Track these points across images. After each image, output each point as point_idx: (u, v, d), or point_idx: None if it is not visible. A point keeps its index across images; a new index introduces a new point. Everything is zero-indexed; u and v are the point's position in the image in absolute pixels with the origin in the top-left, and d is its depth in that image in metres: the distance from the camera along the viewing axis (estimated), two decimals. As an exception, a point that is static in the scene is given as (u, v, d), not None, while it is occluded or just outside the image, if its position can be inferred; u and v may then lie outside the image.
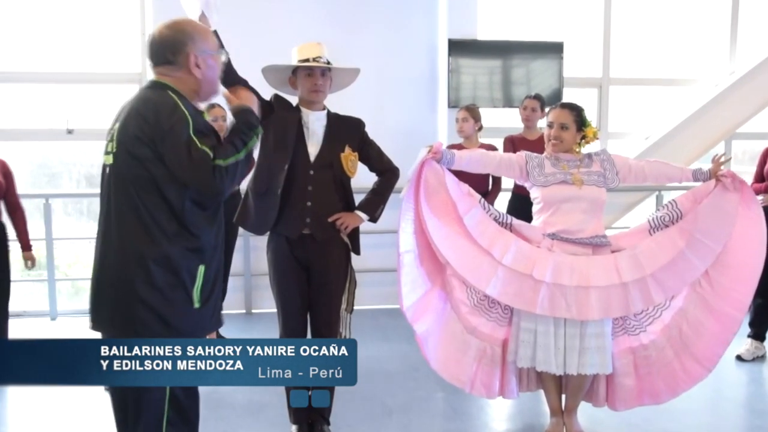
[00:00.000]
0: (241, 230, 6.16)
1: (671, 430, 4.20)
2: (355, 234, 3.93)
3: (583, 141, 3.98)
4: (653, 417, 4.34)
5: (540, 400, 4.23)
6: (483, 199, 3.95)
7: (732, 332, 3.84)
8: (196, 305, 2.63)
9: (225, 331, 5.96)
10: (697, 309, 3.85)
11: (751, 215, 3.88)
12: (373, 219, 3.95)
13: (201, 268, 2.63)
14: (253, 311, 7.28)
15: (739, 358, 5.54)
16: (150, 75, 2.78)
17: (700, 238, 3.80)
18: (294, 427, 3.97)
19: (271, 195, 3.74)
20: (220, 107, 5.44)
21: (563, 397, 4.04)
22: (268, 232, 3.89)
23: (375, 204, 3.91)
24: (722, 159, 3.95)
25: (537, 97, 6.09)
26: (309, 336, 3.88)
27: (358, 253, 3.96)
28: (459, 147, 5.76)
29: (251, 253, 7.15)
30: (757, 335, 5.64)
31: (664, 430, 4.20)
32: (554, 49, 7.51)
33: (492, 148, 5.86)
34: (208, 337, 5.59)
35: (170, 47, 2.68)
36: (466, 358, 3.84)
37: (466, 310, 3.84)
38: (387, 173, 3.93)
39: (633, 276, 3.71)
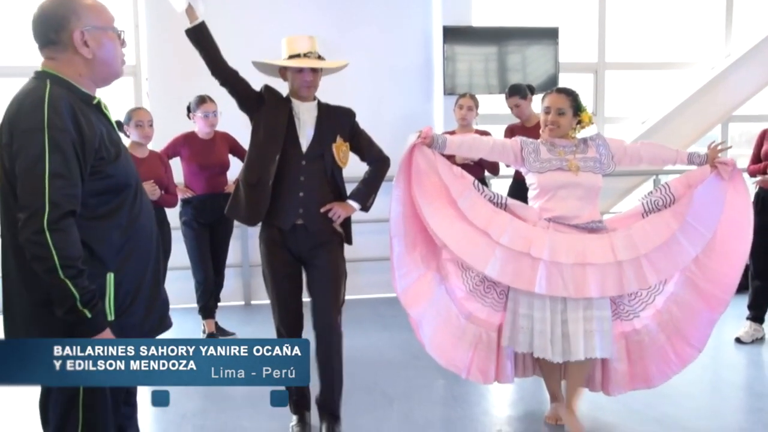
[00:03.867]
0: (237, 222, 6.19)
1: (672, 414, 4.22)
2: (346, 224, 3.94)
3: (578, 126, 3.99)
4: (653, 401, 4.37)
5: (541, 387, 4.24)
6: (476, 181, 3.95)
7: (719, 313, 3.91)
8: (110, 317, 2.38)
9: (224, 323, 6.00)
10: (686, 292, 3.89)
11: (740, 202, 3.95)
12: (365, 208, 3.95)
13: (109, 277, 2.38)
14: (252, 302, 7.30)
15: (738, 340, 5.57)
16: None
17: (692, 223, 3.83)
18: (294, 418, 3.99)
19: (262, 186, 3.74)
20: (144, 110, 5.26)
21: (563, 383, 4.07)
22: (260, 226, 3.90)
23: (366, 193, 3.92)
24: (720, 146, 3.97)
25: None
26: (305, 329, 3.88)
27: (350, 243, 3.97)
28: (452, 134, 5.77)
29: (249, 244, 7.15)
30: (756, 318, 5.67)
31: (665, 414, 4.22)
32: (549, 35, 7.50)
33: (486, 134, 5.88)
34: (207, 328, 5.61)
35: (52, 24, 2.36)
36: (462, 344, 3.86)
37: (462, 296, 3.86)
38: (378, 162, 3.93)
39: (628, 255, 3.73)
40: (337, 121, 3.86)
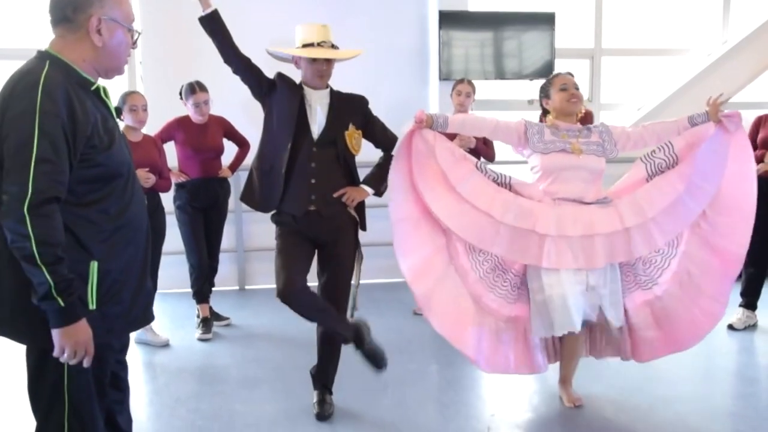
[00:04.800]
0: (232, 206, 6.21)
1: (666, 396, 4.26)
2: (361, 209, 3.98)
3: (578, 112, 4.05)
4: (648, 384, 4.41)
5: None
6: (480, 162, 3.97)
7: (737, 267, 3.94)
8: (91, 306, 2.36)
9: (218, 308, 6.01)
10: (700, 250, 3.92)
11: (743, 155, 3.97)
12: (378, 193, 4.00)
13: (92, 265, 2.36)
14: (247, 287, 7.32)
15: (731, 327, 5.60)
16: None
17: (697, 182, 3.85)
18: (315, 394, 4.09)
19: (275, 173, 3.78)
20: (138, 95, 5.23)
21: (556, 366, 4.13)
22: (274, 212, 3.93)
23: (380, 178, 3.95)
24: (721, 99, 3.97)
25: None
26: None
27: (364, 228, 4.02)
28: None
29: (244, 229, 7.17)
30: (748, 304, 5.71)
31: (659, 396, 4.26)
32: (546, 20, 7.50)
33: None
34: (201, 313, 5.63)
35: (72, 2, 2.35)
36: (472, 327, 3.86)
37: (472, 279, 3.87)
38: (392, 148, 3.92)
39: (635, 221, 3.77)
40: (350, 109, 3.89)
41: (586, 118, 4.15)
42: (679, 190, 3.83)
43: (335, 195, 3.83)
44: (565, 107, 3.97)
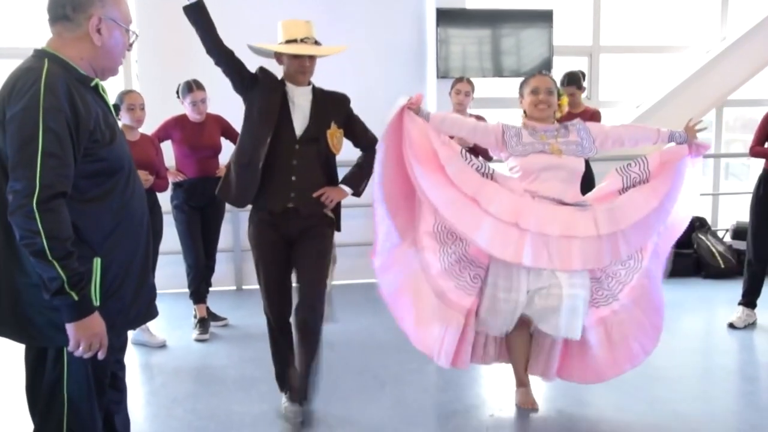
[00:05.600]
0: (229, 206, 6.19)
1: (665, 395, 4.27)
2: (337, 211, 3.99)
3: (557, 112, 4.05)
4: (647, 384, 4.41)
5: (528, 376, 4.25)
6: (464, 150, 3.96)
7: (661, 265, 4.09)
8: (95, 303, 2.36)
9: (215, 308, 6.01)
10: (652, 262, 3.99)
11: (694, 174, 4.08)
12: (357, 193, 4.00)
13: (96, 262, 2.38)
14: (244, 287, 7.31)
15: (731, 326, 5.61)
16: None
17: (666, 202, 3.92)
18: (284, 396, 4.04)
19: (252, 168, 3.76)
20: (136, 93, 5.22)
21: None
22: (251, 208, 3.93)
23: (359, 178, 3.97)
24: (699, 126, 4.06)
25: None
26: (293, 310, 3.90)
27: (338, 229, 4.03)
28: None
29: (241, 228, 7.16)
30: (748, 303, 5.71)
31: (658, 395, 4.27)
32: (544, 18, 7.50)
33: (480, 119, 5.89)
34: (198, 313, 5.63)
35: (72, 1, 2.37)
36: (434, 323, 3.87)
37: (436, 272, 3.84)
38: (372, 148, 3.93)
39: (608, 230, 3.79)
40: (333, 107, 3.89)
41: (593, 119, 4.16)
42: (652, 206, 3.88)
43: (314, 195, 3.82)
44: (532, 112, 3.99)
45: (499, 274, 3.80)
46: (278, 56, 3.86)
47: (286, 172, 3.79)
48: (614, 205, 3.87)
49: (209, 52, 3.73)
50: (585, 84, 6.15)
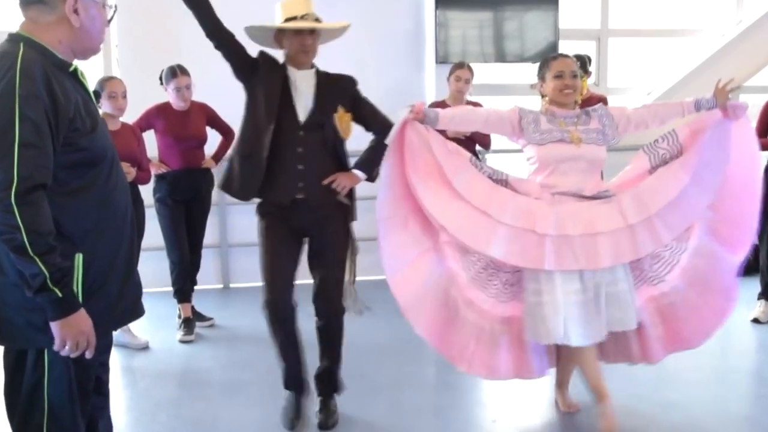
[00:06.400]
0: (215, 199, 6.20)
1: (678, 400, 4.27)
2: (351, 198, 3.95)
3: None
4: (660, 387, 4.42)
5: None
6: (473, 157, 3.95)
7: (742, 254, 3.93)
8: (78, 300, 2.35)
9: (201, 307, 6.01)
10: (708, 241, 3.90)
11: (746, 140, 3.96)
12: (371, 178, 3.95)
13: (78, 257, 2.37)
14: (231, 285, 7.31)
15: (755, 321, 5.67)
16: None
17: (702, 172, 3.83)
18: (318, 399, 4.07)
19: (256, 158, 3.73)
20: (118, 80, 5.20)
21: (554, 370, 4.12)
22: (258, 202, 3.90)
23: (372, 162, 3.89)
24: (730, 85, 3.92)
25: (469, 67, 6.04)
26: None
27: (354, 218, 3.99)
28: (442, 104, 5.78)
29: (228, 223, 7.16)
30: (768, 295, 5.76)
31: (671, 399, 4.27)
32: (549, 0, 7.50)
33: (477, 104, 5.89)
34: (183, 313, 5.62)
35: None
36: (463, 333, 3.82)
37: (463, 283, 3.81)
38: (385, 131, 3.83)
39: (639, 217, 3.72)
40: (338, 90, 3.86)
41: (598, 104, 4.11)
42: (684, 181, 3.80)
43: (324, 182, 3.80)
44: (557, 97, 3.90)
45: (529, 277, 3.76)
46: (278, 39, 3.83)
47: (292, 161, 3.76)
48: (641, 189, 3.81)
49: (209, 35, 3.69)
50: (591, 69, 6.14)
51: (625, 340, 3.96)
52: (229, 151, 3.97)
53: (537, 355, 3.94)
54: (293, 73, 3.81)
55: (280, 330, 3.87)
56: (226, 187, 3.92)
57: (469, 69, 5.95)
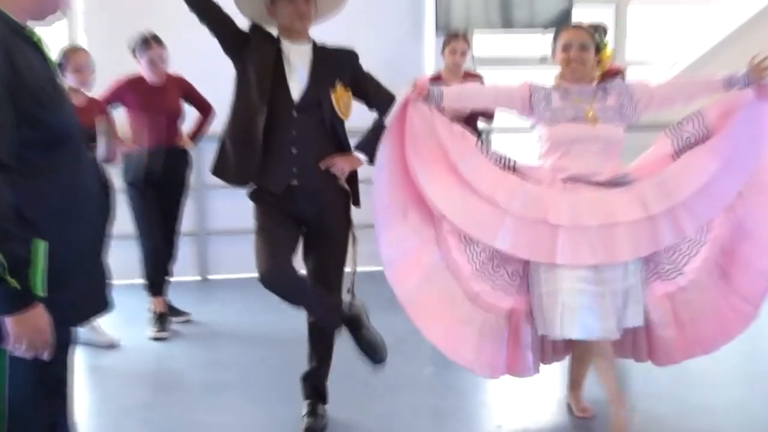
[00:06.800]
0: (193, 182, 6.18)
1: (699, 404, 4.29)
2: (353, 182, 3.94)
3: (597, 67, 3.99)
4: (680, 390, 4.44)
5: (544, 375, 4.26)
6: (480, 141, 3.96)
7: None
8: (40, 294, 2.31)
9: (176, 302, 6.01)
10: (734, 236, 3.89)
11: None
12: (373, 161, 3.90)
13: (39, 246, 2.31)
14: (210, 277, 7.33)
15: None
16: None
17: (734, 157, 3.80)
18: (306, 402, 4.08)
19: (252, 141, 3.71)
20: (83, 51, 5.23)
21: (569, 369, 4.16)
22: (252, 189, 3.89)
23: (375, 143, 3.84)
24: (767, 62, 3.81)
25: (465, 38, 6.05)
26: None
27: (357, 204, 3.98)
28: (438, 78, 5.79)
29: (207, 208, 7.16)
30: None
31: (692, 404, 4.29)
32: (562, -40, 7.48)
33: (476, 76, 5.89)
34: (156, 307, 5.62)
35: None
36: (468, 331, 3.85)
37: (467, 275, 3.84)
38: (389, 108, 3.83)
39: (661, 206, 3.71)
40: (336, 64, 3.85)
41: (615, 77, 4.10)
42: (712, 168, 3.77)
43: (322, 166, 3.79)
44: (564, 71, 3.91)
45: (539, 267, 3.77)
46: (271, 9, 3.80)
47: (285, 145, 3.74)
48: (665, 176, 3.79)
49: (193, 8, 3.69)
50: (607, 40, 6.12)
51: (629, 336, 3.97)
52: (214, 132, 3.94)
53: (532, 351, 3.97)
54: (287, 47, 3.79)
55: (287, 285, 3.76)
56: (221, 173, 3.88)
57: (465, 39, 5.93)
